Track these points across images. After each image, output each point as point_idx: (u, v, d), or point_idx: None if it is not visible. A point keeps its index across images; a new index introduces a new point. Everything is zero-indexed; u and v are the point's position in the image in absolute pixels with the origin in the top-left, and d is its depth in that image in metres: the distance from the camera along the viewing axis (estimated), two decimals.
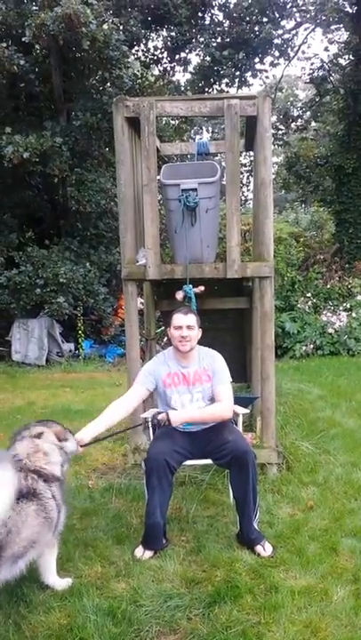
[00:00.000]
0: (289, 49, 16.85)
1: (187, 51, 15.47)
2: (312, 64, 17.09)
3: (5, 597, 2.88)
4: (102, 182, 11.76)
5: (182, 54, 15.56)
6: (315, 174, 16.84)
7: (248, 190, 17.73)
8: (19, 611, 2.76)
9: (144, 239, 4.47)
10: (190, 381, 3.52)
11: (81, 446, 3.27)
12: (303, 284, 11.66)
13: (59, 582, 2.95)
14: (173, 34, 14.40)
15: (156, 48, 15.21)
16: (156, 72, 15.90)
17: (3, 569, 2.51)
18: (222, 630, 2.58)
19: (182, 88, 15.95)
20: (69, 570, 3.15)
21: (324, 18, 14.56)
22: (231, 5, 15.67)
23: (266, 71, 17.29)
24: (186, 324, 3.48)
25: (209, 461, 3.53)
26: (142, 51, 14.91)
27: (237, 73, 16.72)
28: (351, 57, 15.66)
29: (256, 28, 15.81)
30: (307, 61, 17.32)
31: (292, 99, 23.75)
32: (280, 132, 19.19)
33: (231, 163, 4.32)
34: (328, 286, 11.99)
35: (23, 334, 10.92)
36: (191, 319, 3.51)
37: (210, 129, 20.93)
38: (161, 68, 15.87)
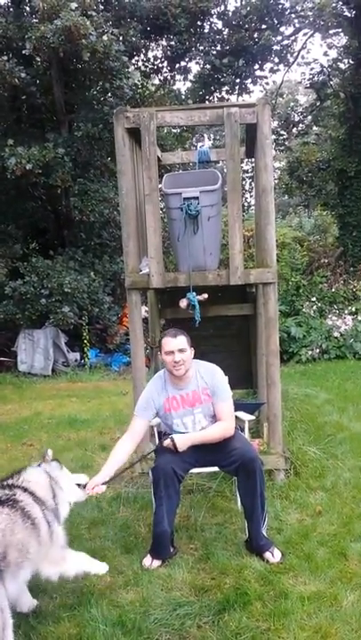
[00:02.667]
0: (288, 55, 16.91)
1: (187, 59, 15.54)
2: (312, 69, 17.17)
3: (14, 608, 2.89)
4: (105, 192, 11.82)
5: (182, 63, 15.64)
6: (317, 178, 16.86)
7: (251, 196, 17.76)
8: (28, 621, 2.76)
9: (147, 248, 4.50)
10: (190, 402, 3.45)
11: (101, 485, 3.22)
12: (308, 289, 11.65)
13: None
14: (173, 43, 14.48)
15: (155, 58, 15.31)
16: (156, 81, 15.99)
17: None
18: (232, 637, 2.58)
19: (183, 97, 16.02)
20: (78, 580, 3.15)
21: (322, 23, 14.58)
22: (230, 13, 15.77)
23: (266, 77, 17.37)
24: (177, 347, 3.35)
25: (216, 469, 3.53)
26: (142, 61, 15.01)
27: (238, 80, 16.79)
28: (351, 61, 15.71)
29: (255, 35, 15.89)
30: (306, 66, 17.41)
31: (292, 104, 23.76)
32: (282, 138, 19.24)
33: (232, 171, 4.35)
34: (333, 290, 11.98)
35: (29, 345, 10.95)
36: (181, 341, 3.38)
37: (211, 136, 20.98)
38: (161, 78, 15.96)
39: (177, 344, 3.37)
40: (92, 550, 3.43)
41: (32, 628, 2.72)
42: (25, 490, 2.66)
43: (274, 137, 17.29)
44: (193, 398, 3.45)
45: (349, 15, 15.01)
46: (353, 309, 10.88)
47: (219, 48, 15.94)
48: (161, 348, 3.48)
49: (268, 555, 3.25)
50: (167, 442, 3.33)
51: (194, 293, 4.38)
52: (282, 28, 16.25)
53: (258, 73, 16.94)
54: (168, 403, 3.45)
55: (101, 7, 10.83)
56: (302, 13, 15.43)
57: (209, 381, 3.47)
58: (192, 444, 3.35)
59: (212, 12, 15.16)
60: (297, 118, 20.05)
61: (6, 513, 2.48)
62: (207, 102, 15.77)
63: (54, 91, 11.22)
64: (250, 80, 17.07)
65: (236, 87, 17.04)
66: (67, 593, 3.03)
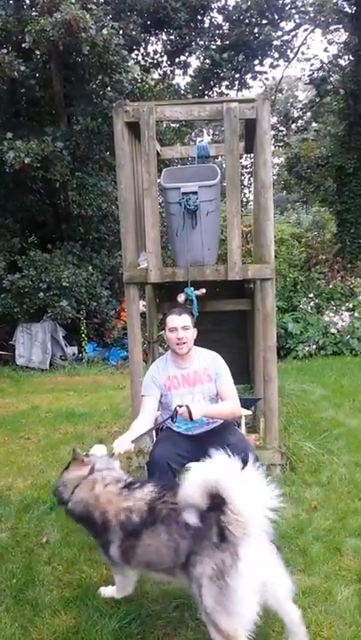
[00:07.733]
0: (288, 50, 16.84)
1: (186, 54, 15.47)
2: (312, 65, 17.08)
3: (12, 601, 2.91)
4: (103, 186, 11.80)
5: (182, 57, 15.57)
6: (316, 175, 16.84)
7: (250, 192, 17.73)
8: (25, 614, 2.78)
9: (145, 242, 4.50)
10: (191, 382, 3.52)
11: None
12: (305, 285, 11.65)
13: None
14: (173, 37, 14.42)
15: (155, 52, 15.23)
16: (155, 76, 15.92)
17: None
18: None
19: (182, 91, 15.96)
20: (75, 573, 3.17)
21: (323, 19, 14.55)
22: (230, 8, 15.69)
23: (266, 73, 17.29)
24: (181, 325, 3.44)
25: None
26: (142, 55, 14.94)
27: (237, 75, 16.73)
28: (351, 57, 15.66)
29: (255, 30, 15.81)
30: (306, 62, 17.29)
31: (292, 100, 23.71)
32: (281, 134, 19.19)
33: (231, 166, 4.35)
34: (330, 286, 11.99)
35: (27, 338, 10.95)
36: (185, 319, 3.48)
37: (211, 131, 20.93)
38: (161, 72, 15.90)
39: (181, 321, 3.45)
40: (88, 543, 3.45)
41: (29, 621, 2.73)
42: None
43: (273, 133, 17.24)
44: (194, 378, 3.51)
45: (350, 11, 14.98)
46: (350, 306, 10.88)
47: (219, 43, 15.88)
48: (165, 326, 3.54)
49: None
50: (182, 409, 3.29)
51: (192, 288, 4.39)
52: (282, 24, 16.19)
53: (258, 68, 16.89)
54: (169, 381, 3.51)
55: (101, 0, 10.76)
56: (303, 9, 15.39)
57: (210, 363, 3.54)
58: (205, 415, 3.37)
59: (213, 6, 15.11)
60: (296, 114, 19.99)
61: None
62: (207, 97, 15.71)
63: (53, 84, 11.17)
64: (249, 75, 17.03)
65: (236, 82, 16.98)
66: (64, 585, 3.05)
